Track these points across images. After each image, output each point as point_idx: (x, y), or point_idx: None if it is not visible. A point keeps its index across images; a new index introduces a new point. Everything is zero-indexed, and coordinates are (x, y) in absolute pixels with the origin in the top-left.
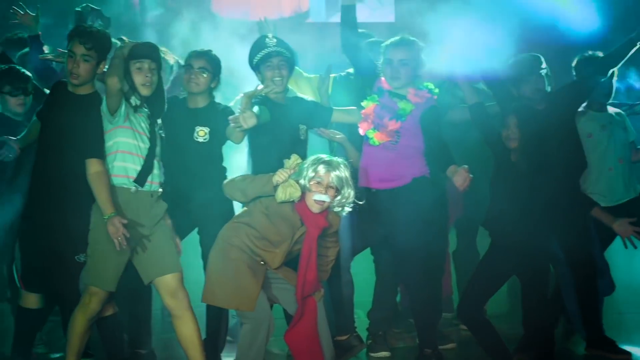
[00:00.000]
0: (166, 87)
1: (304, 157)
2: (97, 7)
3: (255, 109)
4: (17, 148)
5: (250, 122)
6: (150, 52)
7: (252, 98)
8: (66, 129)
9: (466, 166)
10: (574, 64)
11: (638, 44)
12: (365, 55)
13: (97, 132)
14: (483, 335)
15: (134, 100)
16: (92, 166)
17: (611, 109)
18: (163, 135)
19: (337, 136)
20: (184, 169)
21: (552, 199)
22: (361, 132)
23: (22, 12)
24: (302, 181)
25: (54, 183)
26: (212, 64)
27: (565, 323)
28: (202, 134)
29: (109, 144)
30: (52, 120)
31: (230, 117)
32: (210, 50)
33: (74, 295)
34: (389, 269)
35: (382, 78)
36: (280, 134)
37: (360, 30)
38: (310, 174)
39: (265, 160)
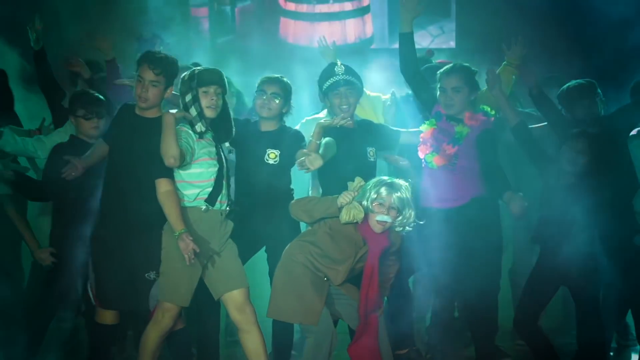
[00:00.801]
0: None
1: (373, 177)
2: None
3: (325, 140)
4: (81, 168)
5: (316, 164)
6: (216, 78)
7: (325, 129)
8: (134, 151)
9: (521, 193)
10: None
11: None
12: (423, 80)
13: (168, 154)
14: (538, 347)
15: (199, 127)
16: (162, 186)
17: None
18: (232, 157)
19: (402, 162)
20: (254, 189)
21: (611, 220)
22: (420, 155)
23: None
24: (364, 202)
25: (123, 204)
26: (284, 90)
27: (618, 338)
28: (272, 156)
29: (178, 172)
30: (120, 142)
31: (297, 161)
32: (282, 77)
33: (146, 312)
34: (448, 286)
35: None
36: (349, 157)
37: (419, 56)
38: (373, 195)
39: (333, 181)
